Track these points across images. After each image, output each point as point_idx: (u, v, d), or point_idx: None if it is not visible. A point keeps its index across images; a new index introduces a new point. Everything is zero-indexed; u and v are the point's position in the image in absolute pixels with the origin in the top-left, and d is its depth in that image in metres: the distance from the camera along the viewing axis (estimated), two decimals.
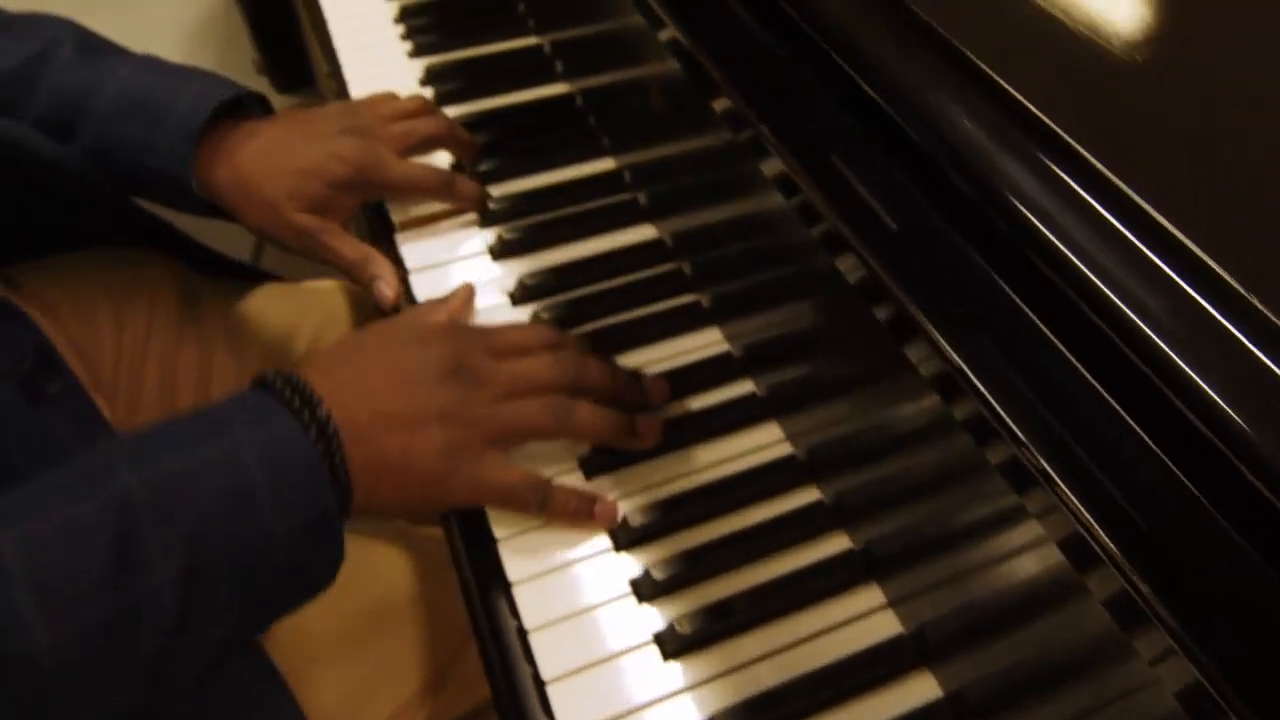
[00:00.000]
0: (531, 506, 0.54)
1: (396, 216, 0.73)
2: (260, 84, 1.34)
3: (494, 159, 0.76)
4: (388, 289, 0.67)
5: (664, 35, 0.61)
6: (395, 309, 0.69)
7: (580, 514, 0.54)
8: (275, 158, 0.67)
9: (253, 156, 0.67)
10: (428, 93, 0.82)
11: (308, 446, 0.48)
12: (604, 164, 0.76)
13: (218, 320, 0.81)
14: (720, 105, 0.56)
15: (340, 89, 0.84)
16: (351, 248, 0.68)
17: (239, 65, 1.53)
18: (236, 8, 1.55)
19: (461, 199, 0.72)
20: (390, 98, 0.75)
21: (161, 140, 0.65)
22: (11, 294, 0.70)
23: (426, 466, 0.51)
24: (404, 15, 0.90)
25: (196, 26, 1.64)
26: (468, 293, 0.66)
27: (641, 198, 0.73)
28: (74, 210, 0.73)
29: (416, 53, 0.86)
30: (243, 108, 0.70)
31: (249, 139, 0.68)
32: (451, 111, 0.79)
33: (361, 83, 0.84)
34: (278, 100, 1.38)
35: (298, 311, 0.84)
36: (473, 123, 0.79)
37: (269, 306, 0.83)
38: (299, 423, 0.48)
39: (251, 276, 0.86)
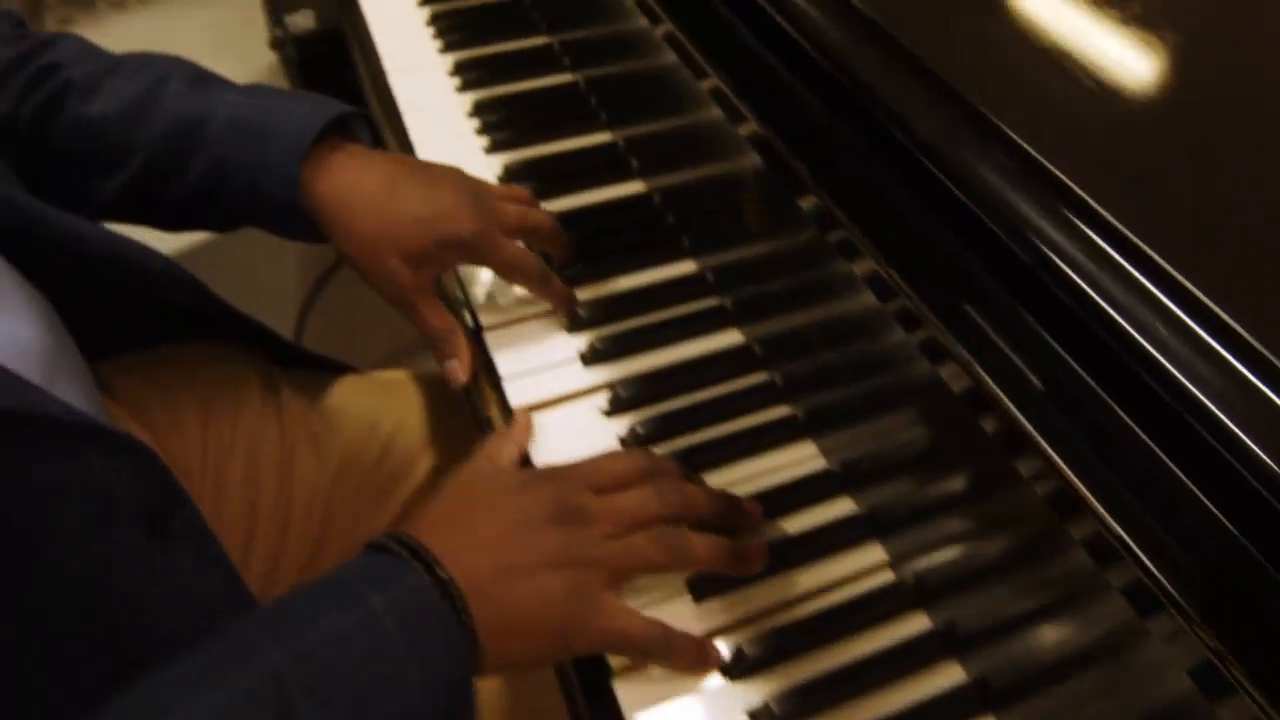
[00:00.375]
0: (655, 655, 0.54)
1: (486, 319, 0.74)
2: None
3: (576, 261, 0.77)
4: (461, 372, 0.68)
5: (744, 130, 0.62)
6: (467, 390, 0.70)
7: (699, 661, 0.54)
8: (392, 198, 0.68)
9: (370, 189, 0.68)
10: None
11: (439, 604, 0.48)
12: (686, 266, 0.77)
13: (298, 413, 0.82)
14: (807, 203, 0.57)
15: None
16: (438, 316, 0.69)
17: None
18: (285, 79, 1.58)
19: (556, 297, 0.73)
20: (496, 184, 0.77)
21: (271, 159, 0.66)
22: (106, 398, 0.71)
23: (549, 615, 0.52)
24: (478, 110, 0.91)
25: None
26: (528, 421, 0.66)
27: (727, 302, 0.74)
28: (159, 307, 0.74)
29: (493, 148, 0.88)
30: (350, 129, 0.72)
31: (361, 161, 0.69)
32: None
33: None
34: None
35: (377, 405, 0.84)
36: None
37: (349, 400, 0.84)
38: (424, 582, 0.49)
39: (329, 368, 0.87)
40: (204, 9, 1.85)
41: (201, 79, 0.73)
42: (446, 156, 0.87)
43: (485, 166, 0.86)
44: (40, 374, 0.53)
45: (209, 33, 1.80)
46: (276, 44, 1.43)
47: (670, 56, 0.69)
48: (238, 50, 1.71)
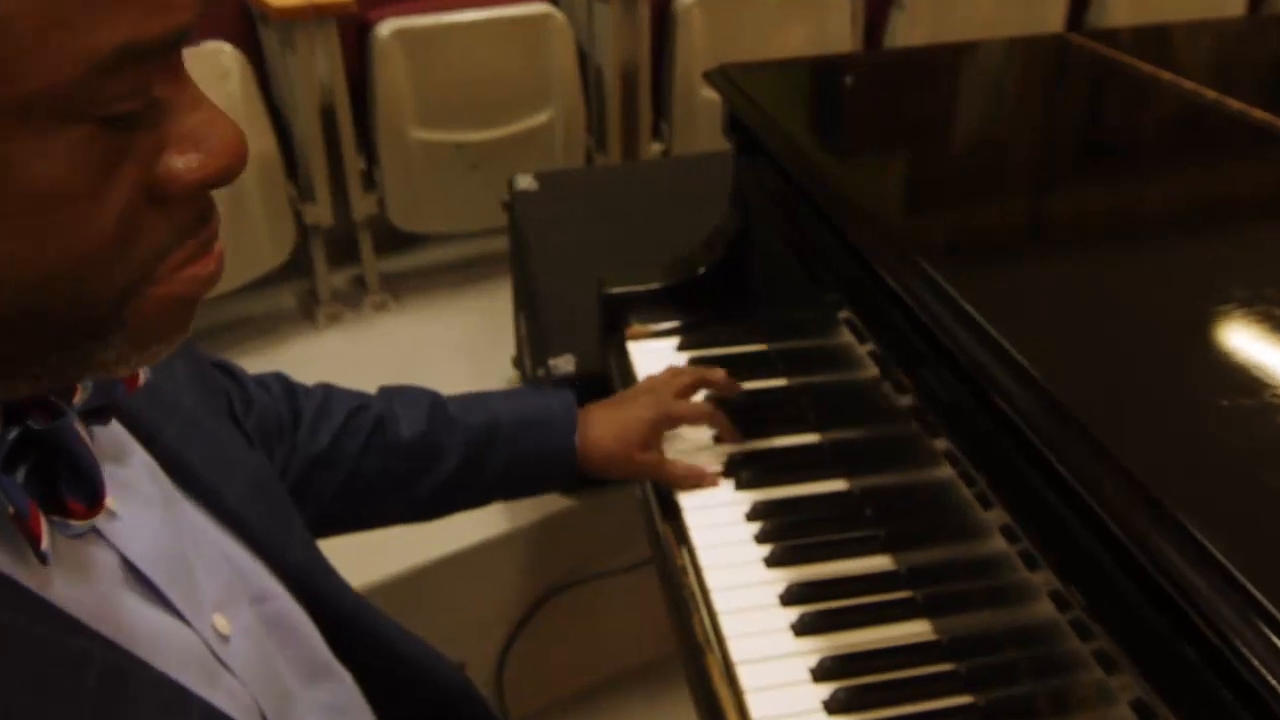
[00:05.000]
0: None
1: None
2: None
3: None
4: (715, 479, 1.01)
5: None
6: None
7: None
8: (613, 421, 1.00)
9: (602, 423, 0.99)
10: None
11: None
12: (883, 560, 0.91)
13: None
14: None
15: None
16: (680, 469, 1.01)
17: None
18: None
19: (725, 429, 1.05)
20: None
21: (554, 443, 0.97)
22: None
23: None
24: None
25: None
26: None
27: (919, 595, 0.87)
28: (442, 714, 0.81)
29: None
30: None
31: (589, 414, 1.00)
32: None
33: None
34: (561, 501, 1.56)
35: None
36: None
37: None
38: None
39: None
40: (457, 316, 2.09)
41: (463, 398, 0.97)
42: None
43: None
44: None
45: (459, 337, 2.02)
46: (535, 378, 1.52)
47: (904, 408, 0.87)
48: (481, 362, 1.90)
